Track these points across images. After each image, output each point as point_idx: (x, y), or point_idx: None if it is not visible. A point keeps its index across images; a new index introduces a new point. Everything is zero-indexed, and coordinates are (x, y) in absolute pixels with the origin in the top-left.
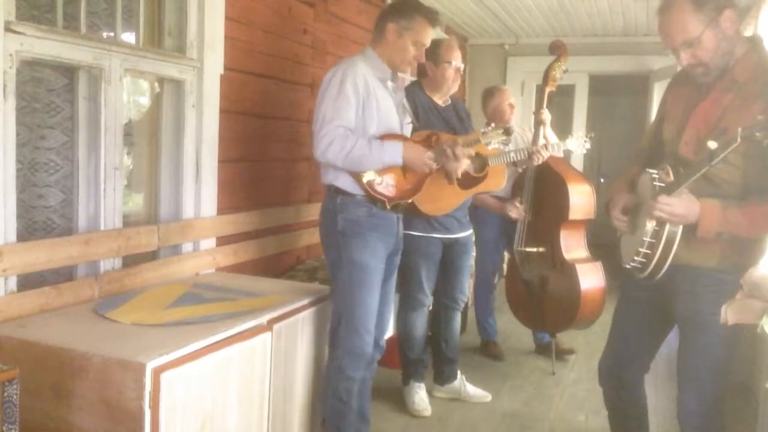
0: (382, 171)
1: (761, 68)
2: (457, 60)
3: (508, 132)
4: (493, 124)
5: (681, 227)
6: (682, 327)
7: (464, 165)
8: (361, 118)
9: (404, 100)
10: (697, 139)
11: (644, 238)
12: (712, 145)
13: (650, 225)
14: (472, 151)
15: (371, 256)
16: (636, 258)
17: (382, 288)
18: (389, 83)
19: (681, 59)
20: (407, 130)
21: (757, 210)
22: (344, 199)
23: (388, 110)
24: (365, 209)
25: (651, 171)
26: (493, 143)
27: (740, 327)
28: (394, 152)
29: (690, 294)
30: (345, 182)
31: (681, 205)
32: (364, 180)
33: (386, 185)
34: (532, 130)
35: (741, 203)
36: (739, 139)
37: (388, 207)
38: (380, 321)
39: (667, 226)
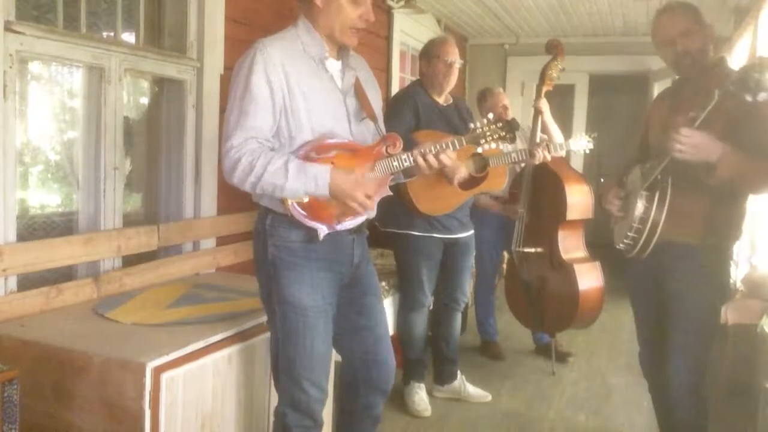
0: None
1: (724, 78)
2: (447, 55)
3: (510, 127)
4: (487, 118)
5: (666, 209)
6: (669, 301)
7: (462, 172)
8: (284, 124)
9: (362, 79)
10: None
11: (636, 213)
12: (693, 113)
13: (641, 201)
14: (455, 155)
15: (310, 294)
16: (629, 234)
17: (359, 323)
18: (331, 62)
19: (678, 47)
20: (366, 125)
21: (758, 163)
22: (275, 220)
23: (325, 105)
24: (301, 233)
25: (640, 165)
26: (491, 143)
27: (721, 299)
28: (318, 180)
29: (677, 268)
30: (273, 200)
31: (701, 138)
32: (289, 202)
33: (317, 209)
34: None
35: (747, 156)
36: (716, 96)
37: (320, 239)
38: (377, 366)
39: (655, 204)
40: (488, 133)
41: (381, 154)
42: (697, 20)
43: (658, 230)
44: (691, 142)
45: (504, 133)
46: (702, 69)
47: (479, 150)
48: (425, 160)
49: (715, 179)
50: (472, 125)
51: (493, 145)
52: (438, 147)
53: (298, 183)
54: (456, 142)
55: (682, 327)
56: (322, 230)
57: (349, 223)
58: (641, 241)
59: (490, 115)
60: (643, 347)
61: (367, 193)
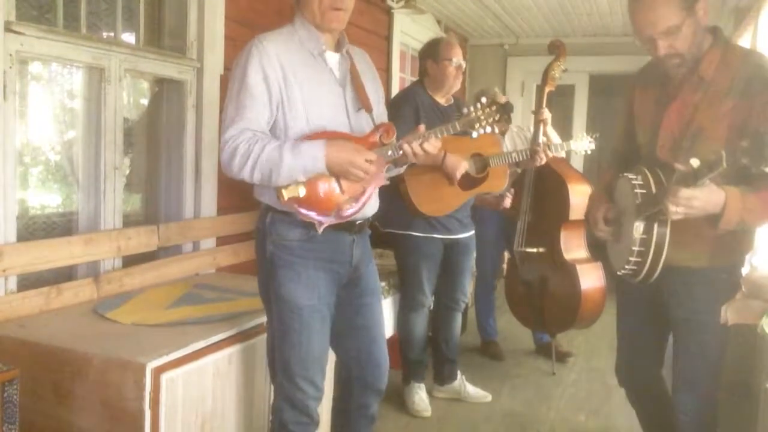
0: (311, 180)
1: (725, 63)
2: (457, 57)
3: (504, 109)
4: (480, 102)
5: (669, 229)
6: (677, 328)
7: (463, 167)
8: (281, 116)
9: (361, 71)
10: (673, 141)
11: (633, 247)
12: (695, 162)
13: (638, 231)
14: (438, 143)
15: (305, 293)
16: (627, 265)
17: (356, 322)
18: (329, 55)
19: (659, 48)
20: (365, 119)
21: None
22: (275, 218)
23: (323, 96)
24: (300, 231)
25: (629, 176)
26: (486, 127)
27: (732, 326)
28: (315, 154)
29: (685, 295)
30: (273, 197)
31: (703, 197)
32: (285, 196)
33: (315, 201)
34: (531, 130)
35: (752, 188)
36: (724, 164)
37: (319, 231)
38: (370, 366)
39: (656, 230)
40: (482, 117)
41: (375, 143)
42: (683, 6)
43: (663, 254)
44: (691, 204)
45: (498, 116)
46: (696, 60)
47: (474, 135)
48: (410, 147)
49: (718, 230)
50: (465, 110)
51: (488, 129)
52: (425, 135)
53: (294, 161)
54: (450, 127)
55: (691, 362)
56: (322, 221)
57: (350, 211)
58: (645, 268)
59: (484, 99)
60: (621, 359)
61: (367, 157)
